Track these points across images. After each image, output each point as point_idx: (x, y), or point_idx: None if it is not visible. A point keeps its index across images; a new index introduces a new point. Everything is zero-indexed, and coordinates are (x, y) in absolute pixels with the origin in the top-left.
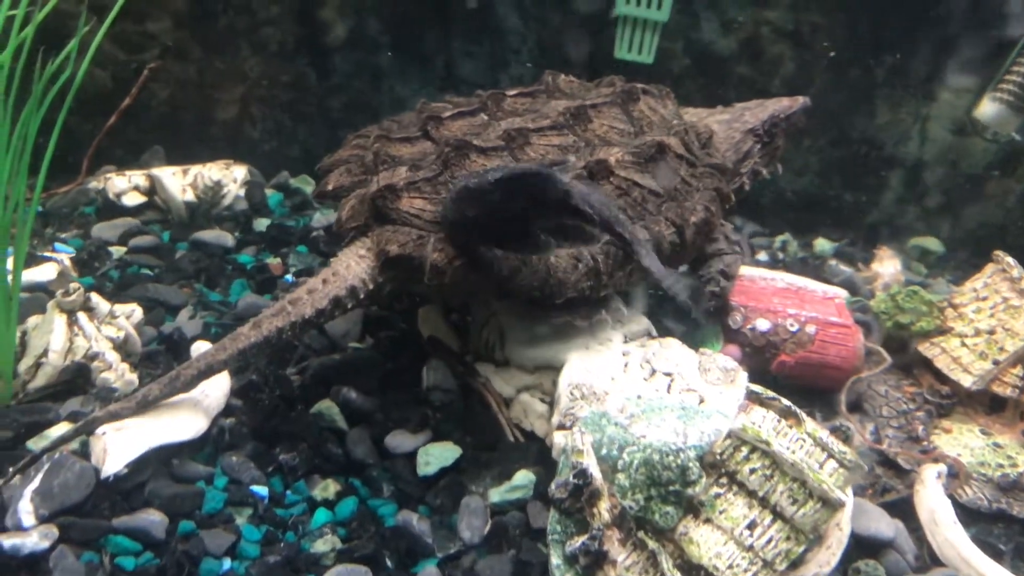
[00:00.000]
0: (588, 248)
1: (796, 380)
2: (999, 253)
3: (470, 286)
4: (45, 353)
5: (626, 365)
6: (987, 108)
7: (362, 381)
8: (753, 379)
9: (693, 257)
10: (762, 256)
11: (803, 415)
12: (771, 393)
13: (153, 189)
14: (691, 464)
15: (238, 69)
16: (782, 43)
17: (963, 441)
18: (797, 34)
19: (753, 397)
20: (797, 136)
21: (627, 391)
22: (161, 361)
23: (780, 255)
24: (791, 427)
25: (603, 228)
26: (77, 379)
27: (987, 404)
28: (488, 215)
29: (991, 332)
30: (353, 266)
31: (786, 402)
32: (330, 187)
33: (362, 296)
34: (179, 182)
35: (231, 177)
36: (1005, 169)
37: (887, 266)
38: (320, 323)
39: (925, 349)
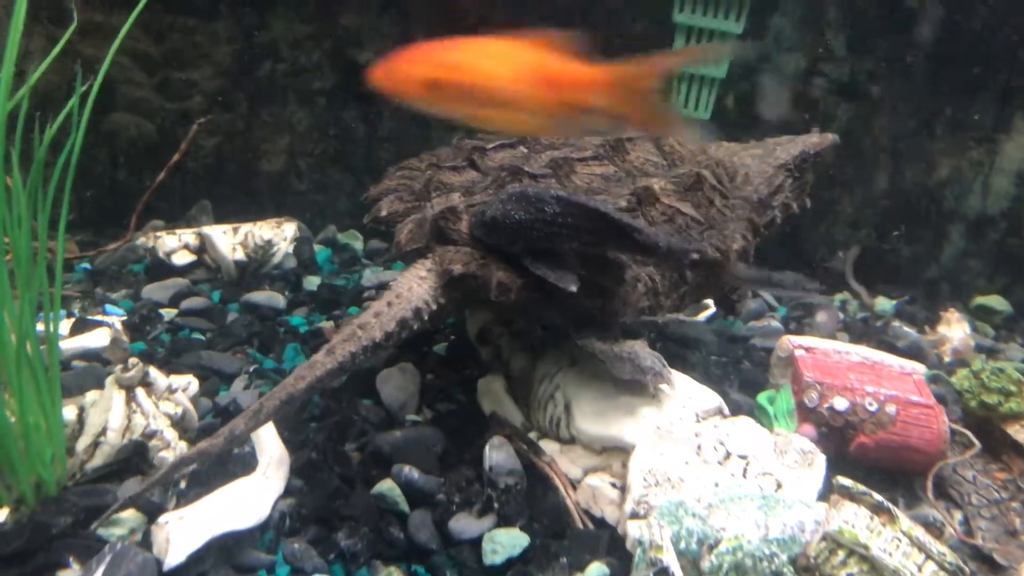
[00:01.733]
0: (645, 269)
1: (876, 463)
2: None
3: (534, 307)
4: (104, 432)
5: (699, 447)
6: None
7: (423, 458)
8: (830, 462)
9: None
10: (822, 318)
11: (896, 511)
12: (862, 487)
13: (203, 247)
14: (785, 570)
15: (284, 121)
16: (836, 95)
17: None
18: (852, 84)
19: (843, 492)
20: (834, 178)
21: (703, 477)
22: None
23: (840, 315)
24: (884, 525)
25: (670, 255)
26: (134, 458)
27: None
28: (529, 225)
29: None
30: (416, 287)
31: (878, 497)
32: (384, 213)
33: (426, 317)
34: (229, 241)
35: (282, 235)
36: None
37: (955, 330)
38: (388, 345)
39: (1015, 432)
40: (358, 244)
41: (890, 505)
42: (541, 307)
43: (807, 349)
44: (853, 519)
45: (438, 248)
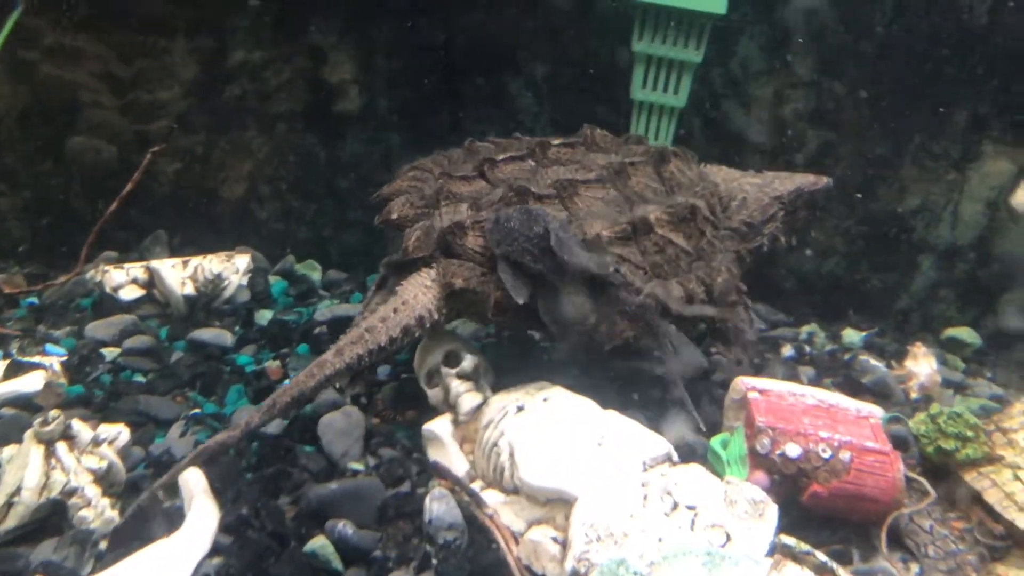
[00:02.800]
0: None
1: (830, 513)
2: None
3: (528, 326)
4: (18, 491)
5: (645, 497)
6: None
7: (360, 512)
8: (783, 511)
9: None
10: (788, 351)
11: (840, 571)
12: (805, 547)
13: (152, 282)
14: None
15: (246, 146)
16: (803, 121)
17: None
18: (820, 110)
19: (786, 552)
20: (816, 215)
21: (648, 530)
22: (147, 489)
23: (807, 348)
24: None
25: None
26: (52, 518)
27: None
28: (515, 236)
29: None
30: (420, 296)
31: (822, 557)
32: (394, 216)
33: (428, 325)
34: (179, 275)
35: (232, 268)
36: None
37: (922, 364)
38: (392, 350)
39: (973, 480)
40: (316, 275)
41: (834, 565)
42: (536, 328)
43: (761, 391)
44: None
45: (443, 260)
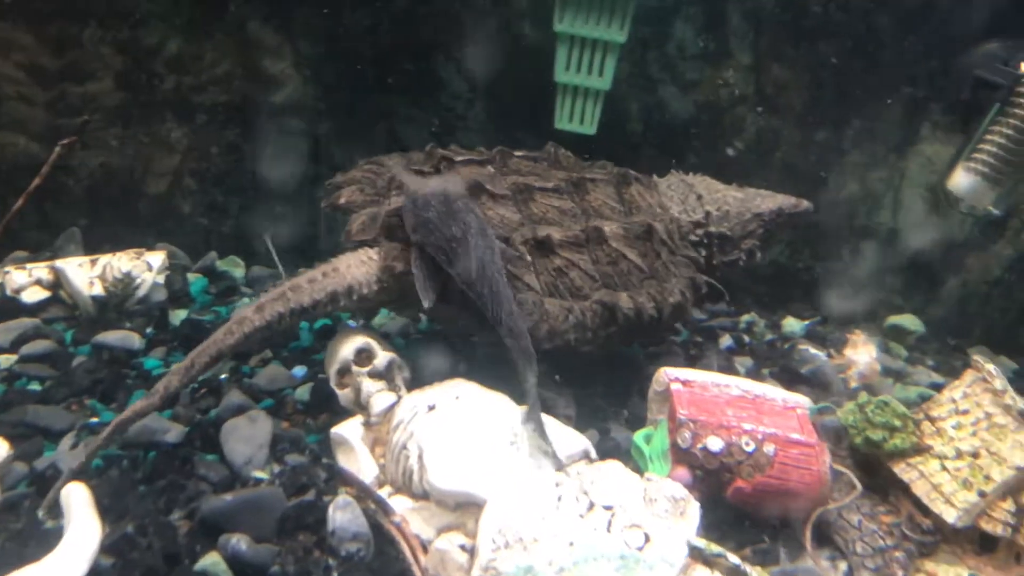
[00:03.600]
0: (579, 304)
1: (755, 509)
2: (978, 359)
3: (463, 319)
4: None
5: (559, 499)
6: (961, 180)
7: (258, 524)
8: (709, 508)
9: (659, 338)
10: (727, 341)
11: (753, 574)
12: (716, 548)
13: (58, 283)
14: None
15: (165, 139)
16: (743, 105)
17: None
18: (760, 94)
19: (696, 554)
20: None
21: (560, 534)
22: (23, 512)
23: (746, 338)
24: None
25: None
26: None
27: (976, 542)
28: (432, 228)
29: (975, 455)
30: (354, 268)
31: (734, 560)
32: (342, 201)
33: (356, 298)
34: (86, 275)
35: (143, 266)
36: (985, 241)
37: (861, 353)
38: (316, 315)
39: (901, 471)
40: (239, 271)
41: (747, 568)
42: (470, 322)
43: (684, 382)
44: None
45: (385, 244)
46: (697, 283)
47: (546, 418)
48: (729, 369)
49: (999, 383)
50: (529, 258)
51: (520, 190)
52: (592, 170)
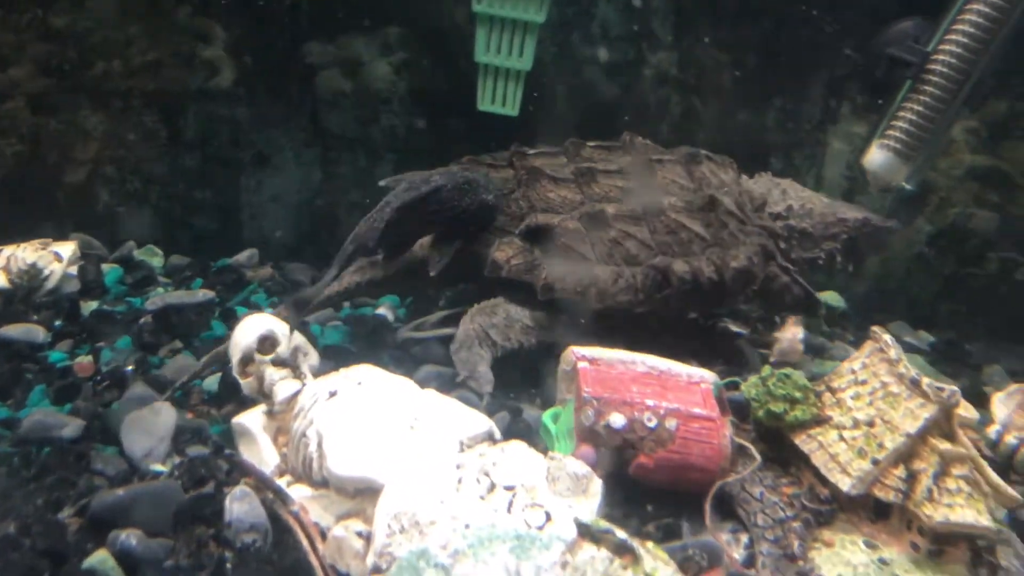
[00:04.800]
0: (631, 269)
1: (658, 484)
2: (876, 329)
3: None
4: None
5: (460, 481)
6: (875, 156)
7: (151, 519)
8: (615, 485)
9: (729, 304)
10: None
11: (641, 550)
12: (604, 525)
13: None
14: None
15: (81, 126)
16: (667, 87)
17: (845, 557)
18: (682, 75)
19: (583, 531)
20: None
21: (458, 516)
22: None
23: None
24: (626, 567)
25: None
26: None
27: (871, 510)
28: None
29: (870, 424)
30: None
31: (621, 535)
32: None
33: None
34: None
35: (50, 257)
36: (906, 217)
37: (787, 331)
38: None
39: (802, 443)
40: (157, 260)
41: (635, 544)
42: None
43: (591, 360)
44: (590, 563)
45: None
46: (769, 250)
47: (449, 399)
48: None
49: (894, 352)
50: (583, 231)
51: (582, 173)
52: (661, 152)
